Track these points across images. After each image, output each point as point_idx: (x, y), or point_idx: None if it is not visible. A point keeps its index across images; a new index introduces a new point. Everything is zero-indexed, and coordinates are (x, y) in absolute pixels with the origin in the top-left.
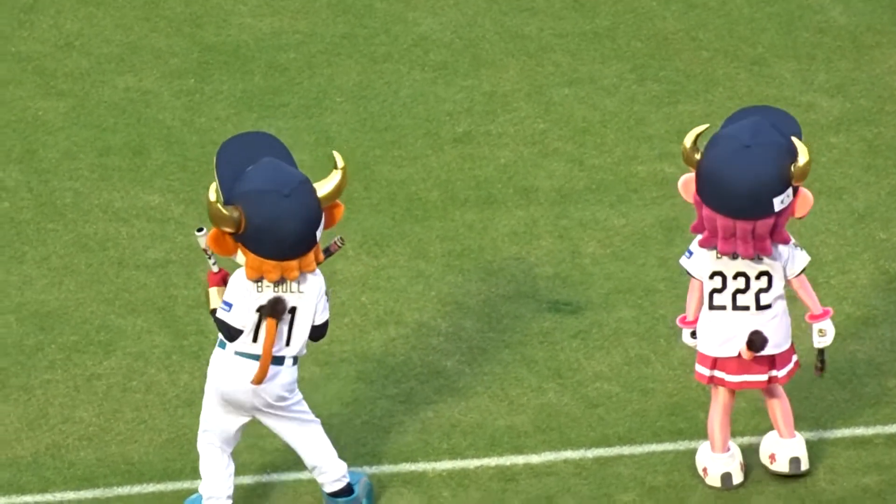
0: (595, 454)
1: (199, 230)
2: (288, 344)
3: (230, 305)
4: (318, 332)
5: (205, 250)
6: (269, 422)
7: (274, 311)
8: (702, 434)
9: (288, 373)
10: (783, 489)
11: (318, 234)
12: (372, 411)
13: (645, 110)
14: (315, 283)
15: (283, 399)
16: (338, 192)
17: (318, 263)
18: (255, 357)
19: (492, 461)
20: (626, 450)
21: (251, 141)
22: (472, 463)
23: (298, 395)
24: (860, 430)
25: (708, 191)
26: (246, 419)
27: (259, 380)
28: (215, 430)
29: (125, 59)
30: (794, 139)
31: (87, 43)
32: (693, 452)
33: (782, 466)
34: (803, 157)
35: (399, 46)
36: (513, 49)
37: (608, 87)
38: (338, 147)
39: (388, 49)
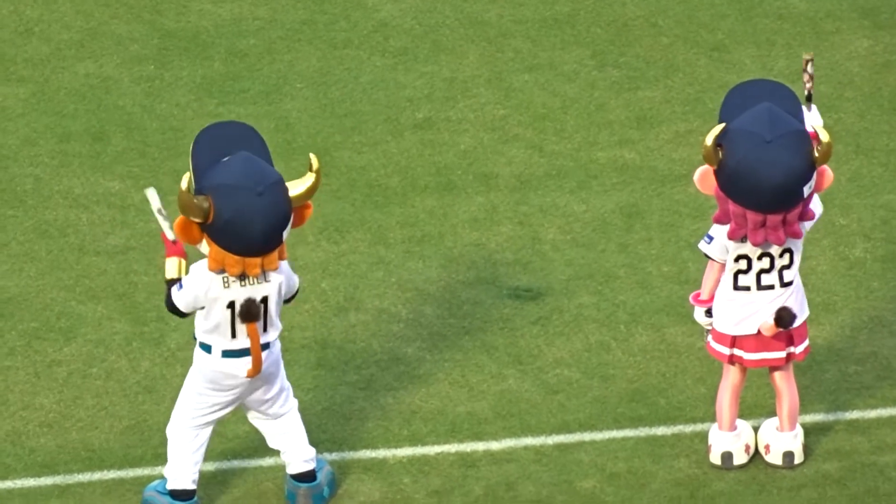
0: (555, 440)
1: (148, 190)
2: (266, 331)
3: (182, 287)
4: (290, 300)
5: (159, 211)
6: (253, 404)
7: (249, 314)
8: (661, 420)
9: (274, 350)
10: (743, 475)
11: (286, 234)
12: (332, 398)
13: (605, 96)
14: (280, 270)
15: (274, 375)
16: (309, 194)
17: (281, 259)
18: (241, 352)
19: (452, 448)
20: (587, 436)
21: (231, 131)
22: (433, 449)
23: (283, 371)
24: (820, 417)
25: (736, 189)
26: (231, 407)
27: (254, 374)
28: (204, 419)
29: (85, 46)
30: (812, 125)
31: (47, 29)
32: (653, 439)
33: (775, 459)
34: (825, 137)
35: (359, 32)
36: (473, 35)
37: (568, 73)
38: (297, 133)
39: (348, 35)
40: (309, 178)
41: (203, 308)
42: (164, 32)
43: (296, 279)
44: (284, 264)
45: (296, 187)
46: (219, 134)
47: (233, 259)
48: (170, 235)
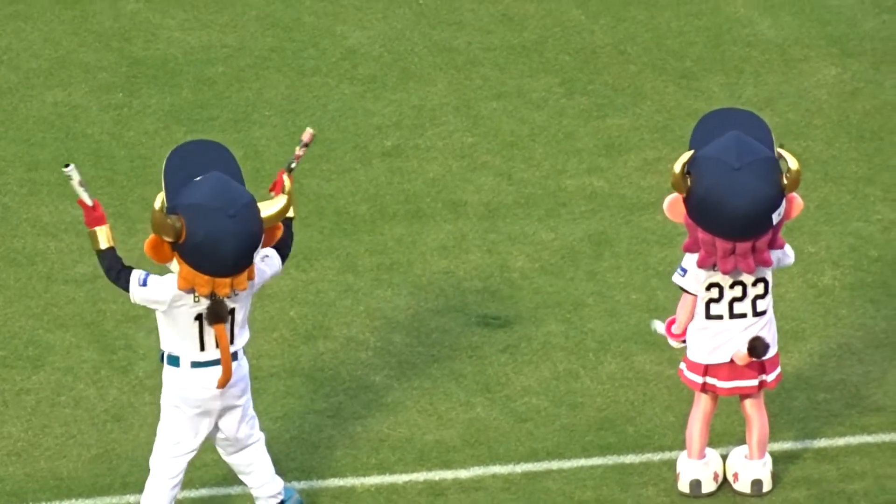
0: (524, 469)
1: (67, 166)
2: (232, 342)
3: (145, 285)
4: (285, 258)
5: (81, 183)
6: (223, 432)
7: (218, 316)
8: (630, 448)
9: (243, 365)
10: (712, 503)
11: (256, 255)
12: (301, 426)
13: (573, 124)
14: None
15: (244, 392)
16: (280, 216)
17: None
18: (210, 363)
19: (420, 476)
20: (555, 464)
21: (203, 149)
22: (401, 478)
23: (251, 400)
24: (789, 444)
25: (704, 217)
26: (207, 431)
27: (224, 383)
28: (184, 448)
29: (54, 74)
30: (780, 150)
31: (16, 57)
32: (622, 467)
33: (744, 487)
34: (793, 164)
35: (327, 60)
36: (441, 63)
37: (536, 100)
38: (266, 160)
39: (316, 63)
40: (280, 200)
41: (163, 312)
42: (133, 60)
43: (273, 265)
44: (259, 263)
45: (267, 208)
46: (192, 152)
47: (203, 279)
48: (88, 202)
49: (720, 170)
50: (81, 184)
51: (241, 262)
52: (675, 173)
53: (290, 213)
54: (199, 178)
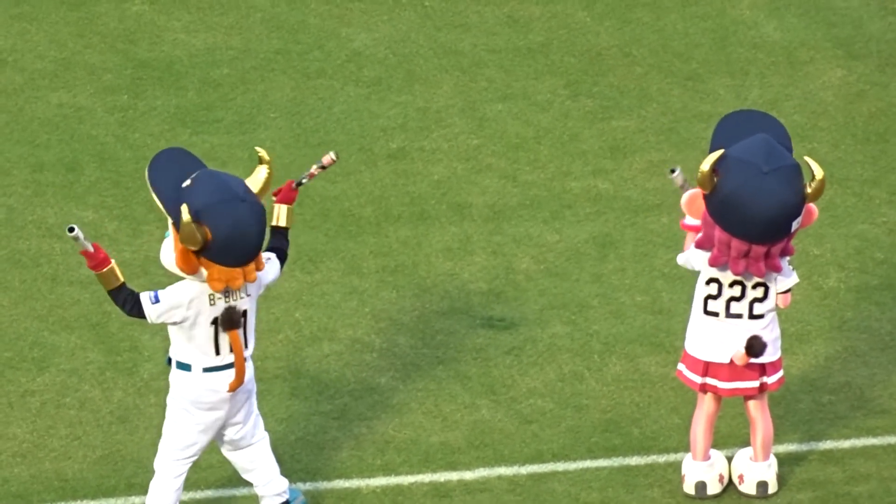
0: (529, 470)
1: (71, 230)
2: (246, 346)
3: (158, 300)
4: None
5: (85, 238)
6: (227, 432)
7: (232, 322)
8: (635, 450)
9: (250, 367)
10: None
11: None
12: (306, 428)
13: (578, 126)
14: (255, 282)
15: (250, 394)
16: (267, 186)
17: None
18: (222, 367)
19: (426, 477)
20: (560, 466)
21: (171, 158)
22: (406, 479)
23: (254, 400)
24: (794, 447)
25: (726, 217)
26: (213, 434)
27: (235, 387)
28: (190, 450)
29: (59, 75)
30: (807, 159)
31: (21, 59)
32: (627, 469)
33: (749, 489)
34: (818, 174)
35: (333, 62)
36: (446, 65)
37: (542, 102)
38: (272, 163)
39: (321, 65)
40: (262, 171)
41: (176, 324)
42: (138, 62)
43: (274, 268)
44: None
45: (256, 184)
46: (165, 163)
47: (236, 272)
48: (90, 248)
49: (749, 172)
50: (86, 238)
51: (261, 243)
52: (702, 171)
53: (284, 223)
54: (188, 182)
